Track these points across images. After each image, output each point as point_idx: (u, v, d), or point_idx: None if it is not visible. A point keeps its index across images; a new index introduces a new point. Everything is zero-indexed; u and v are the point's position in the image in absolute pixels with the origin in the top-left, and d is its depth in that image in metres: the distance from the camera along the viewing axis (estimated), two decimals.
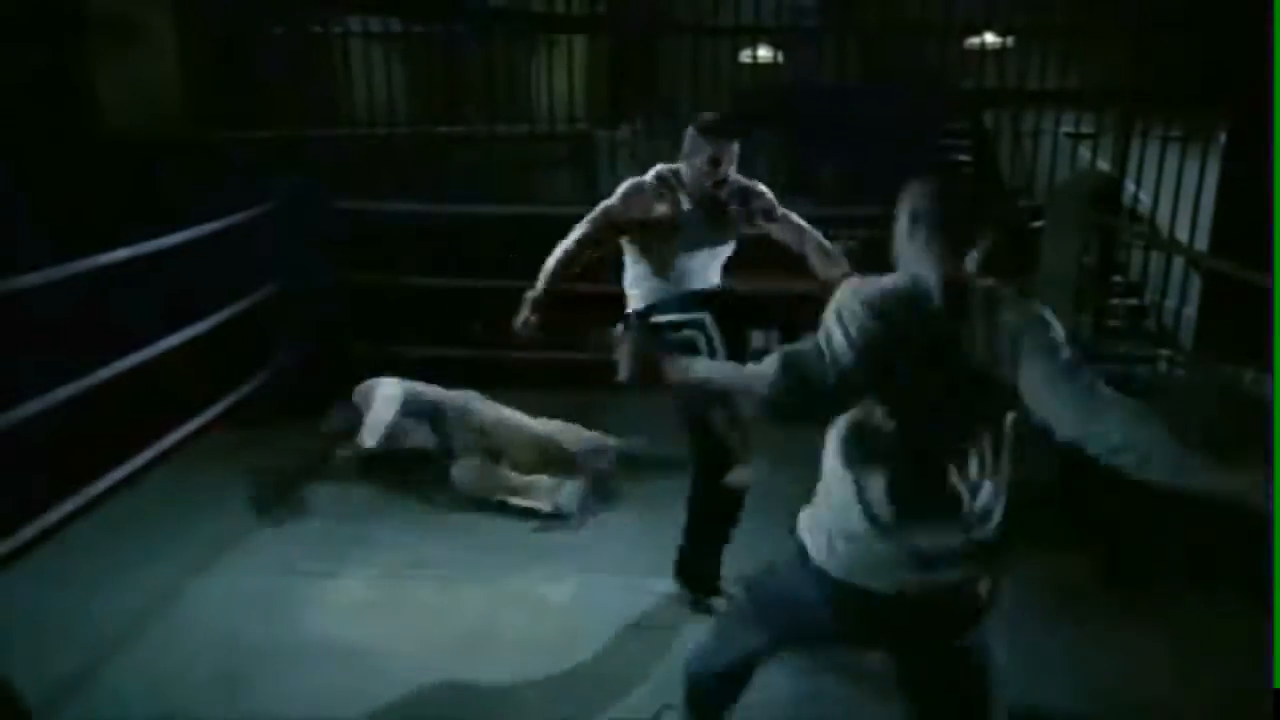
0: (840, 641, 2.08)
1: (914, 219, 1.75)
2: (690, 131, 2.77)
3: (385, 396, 3.87)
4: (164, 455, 3.76)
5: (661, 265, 2.82)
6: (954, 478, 1.68)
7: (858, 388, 1.64)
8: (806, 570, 1.75)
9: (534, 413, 4.00)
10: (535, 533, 3.53)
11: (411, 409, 3.89)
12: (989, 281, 1.74)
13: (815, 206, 3.78)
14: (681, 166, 2.81)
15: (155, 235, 3.74)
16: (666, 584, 3.06)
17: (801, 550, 1.77)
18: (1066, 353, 1.67)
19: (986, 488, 1.71)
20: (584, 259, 2.83)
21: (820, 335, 1.66)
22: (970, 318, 1.66)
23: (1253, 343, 3.39)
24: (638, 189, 2.80)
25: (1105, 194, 4.68)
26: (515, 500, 3.66)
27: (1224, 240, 5.15)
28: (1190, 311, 5.49)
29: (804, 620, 1.84)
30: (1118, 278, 6.10)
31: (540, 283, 2.81)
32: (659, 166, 2.85)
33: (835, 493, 1.73)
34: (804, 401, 1.64)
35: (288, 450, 4.00)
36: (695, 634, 2.37)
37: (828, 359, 1.62)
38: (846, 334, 1.62)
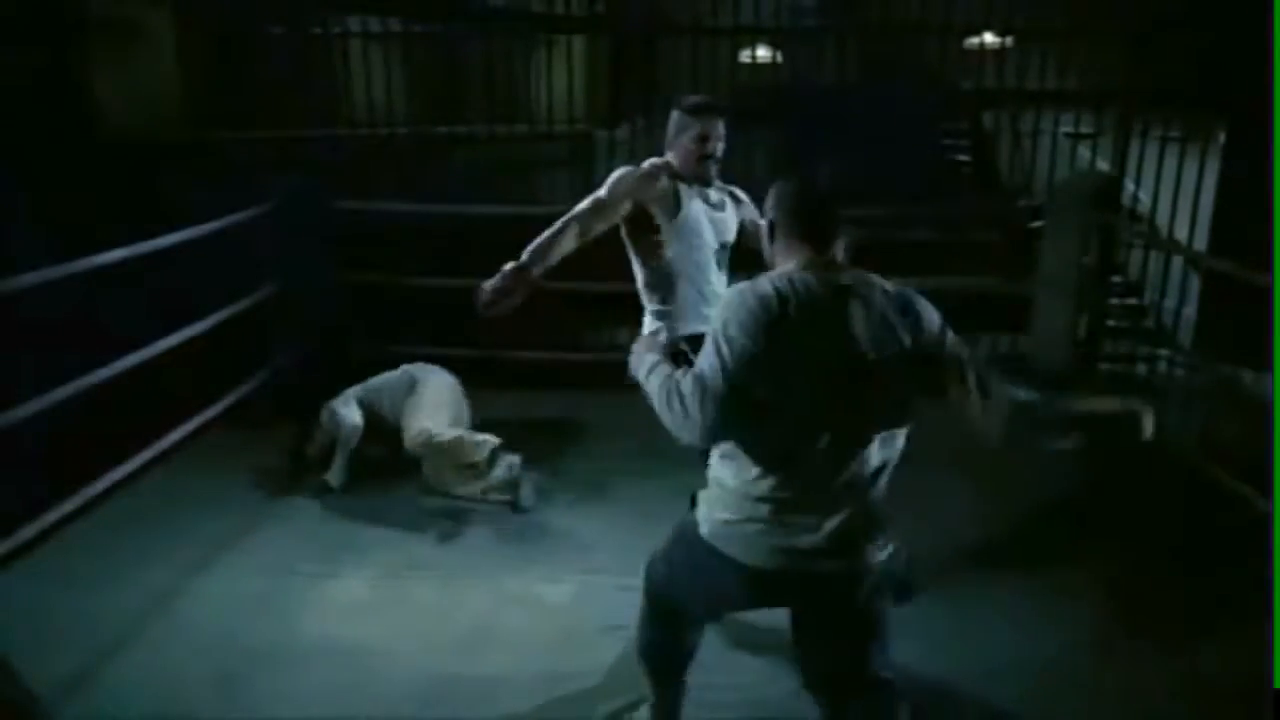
0: (743, 606, 2.15)
1: (772, 227, 1.87)
2: (675, 115, 2.76)
3: (349, 427, 3.83)
4: (163, 455, 3.77)
5: (672, 259, 2.71)
6: (834, 458, 1.74)
7: (760, 392, 1.69)
8: (700, 541, 1.87)
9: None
10: (535, 532, 3.52)
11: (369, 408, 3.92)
12: (859, 270, 1.81)
13: None
14: (670, 156, 2.77)
15: (155, 236, 3.74)
16: None
17: (695, 523, 1.89)
18: (949, 332, 1.81)
19: (867, 465, 1.78)
20: (561, 249, 2.64)
21: (716, 351, 1.71)
22: (848, 302, 1.73)
23: (1252, 343, 3.40)
24: (628, 172, 2.73)
25: (1105, 194, 4.69)
26: (489, 495, 3.67)
27: (1223, 240, 5.15)
28: (1190, 311, 5.49)
29: (705, 585, 1.94)
30: (1118, 278, 6.10)
31: (524, 257, 2.58)
32: (650, 160, 2.79)
33: (722, 470, 1.83)
34: (718, 422, 1.70)
35: (287, 450, 3.99)
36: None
37: (730, 369, 1.68)
38: (739, 343, 1.68)
